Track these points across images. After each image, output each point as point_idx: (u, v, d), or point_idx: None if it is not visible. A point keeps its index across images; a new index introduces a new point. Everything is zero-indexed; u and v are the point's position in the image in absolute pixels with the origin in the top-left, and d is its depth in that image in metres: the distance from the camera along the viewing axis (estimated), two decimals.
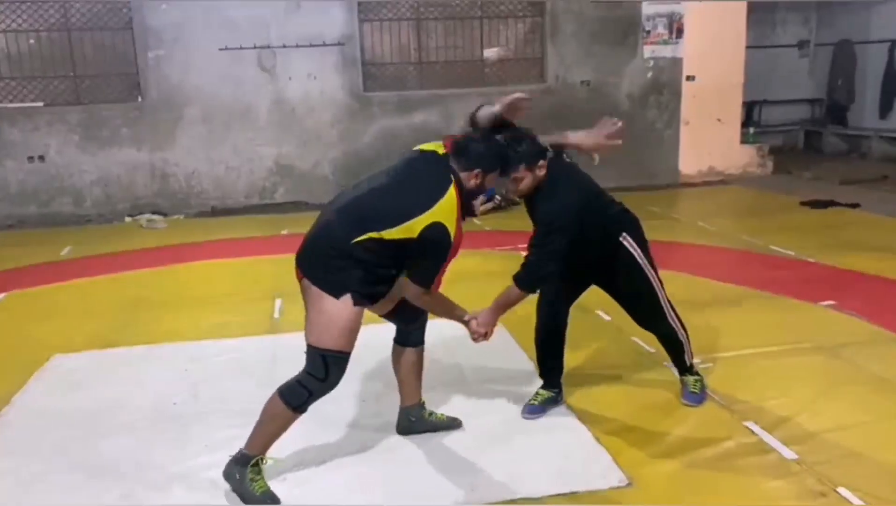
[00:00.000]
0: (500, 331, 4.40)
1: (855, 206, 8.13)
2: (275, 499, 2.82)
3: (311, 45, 9.24)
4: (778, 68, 12.83)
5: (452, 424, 3.39)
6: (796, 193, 8.99)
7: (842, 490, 2.79)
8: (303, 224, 3.16)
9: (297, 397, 2.78)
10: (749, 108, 12.06)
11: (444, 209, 2.77)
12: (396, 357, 3.29)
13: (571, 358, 3.31)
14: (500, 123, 3.08)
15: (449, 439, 3.28)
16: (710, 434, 3.25)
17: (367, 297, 2.80)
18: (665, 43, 10.05)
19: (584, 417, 3.41)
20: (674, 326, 3.45)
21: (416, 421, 3.34)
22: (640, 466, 3.01)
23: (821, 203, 8.28)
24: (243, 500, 2.81)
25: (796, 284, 5.36)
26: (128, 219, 9.03)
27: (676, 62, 10.12)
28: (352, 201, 2.85)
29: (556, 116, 9.75)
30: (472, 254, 5.72)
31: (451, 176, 2.83)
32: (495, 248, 6.60)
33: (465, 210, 2.89)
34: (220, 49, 9.04)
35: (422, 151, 2.96)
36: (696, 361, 3.62)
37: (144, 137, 9.16)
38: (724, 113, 10.38)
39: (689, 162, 10.40)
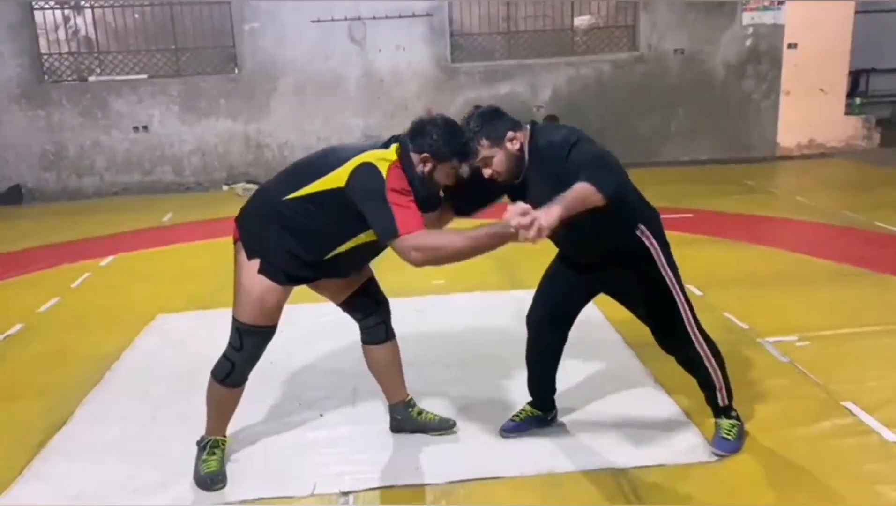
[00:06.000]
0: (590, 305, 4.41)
1: None
2: (216, 481, 2.78)
3: (401, 17, 9.29)
4: (888, 35, 12.04)
5: (444, 425, 3.10)
6: None
7: None
8: None
9: (221, 369, 2.76)
10: (855, 77, 11.41)
11: (376, 155, 2.56)
12: (368, 358, 3.10)
13: None
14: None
15: None
16: (804, 413, 3.15)
17: (276, 267, 2.62)
18: (766, 9, 9.60)
19: (673, 392, 3.36)
20: (701, 352, 2.83)
21: (402, 419, 3.11)
22: None
23: None
24: (194, 477, 2.82)
25: None
26: (224, 187, 9.38)
27: (777, 29, 9.66)
28: (293, 164, 2.81)
29: (648, 86, 9.60)
30: None
31: (399, 146, 2.61)
32: None
33: (426, 202, 2.60)
34: (312, 21, 9.19)
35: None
36: (793, 337, 3.48)
37: (240, 109, 9.45)
38: (828, 82, 9.87)
39: (789, 134, 9.95)
